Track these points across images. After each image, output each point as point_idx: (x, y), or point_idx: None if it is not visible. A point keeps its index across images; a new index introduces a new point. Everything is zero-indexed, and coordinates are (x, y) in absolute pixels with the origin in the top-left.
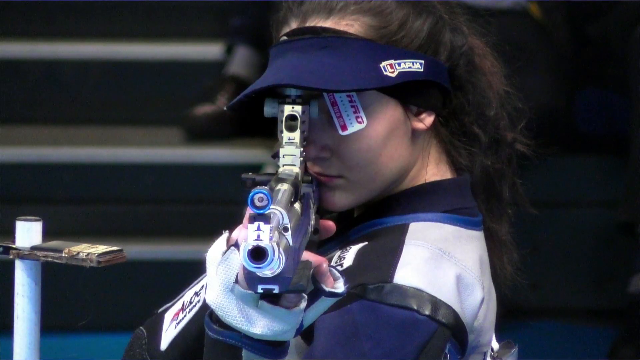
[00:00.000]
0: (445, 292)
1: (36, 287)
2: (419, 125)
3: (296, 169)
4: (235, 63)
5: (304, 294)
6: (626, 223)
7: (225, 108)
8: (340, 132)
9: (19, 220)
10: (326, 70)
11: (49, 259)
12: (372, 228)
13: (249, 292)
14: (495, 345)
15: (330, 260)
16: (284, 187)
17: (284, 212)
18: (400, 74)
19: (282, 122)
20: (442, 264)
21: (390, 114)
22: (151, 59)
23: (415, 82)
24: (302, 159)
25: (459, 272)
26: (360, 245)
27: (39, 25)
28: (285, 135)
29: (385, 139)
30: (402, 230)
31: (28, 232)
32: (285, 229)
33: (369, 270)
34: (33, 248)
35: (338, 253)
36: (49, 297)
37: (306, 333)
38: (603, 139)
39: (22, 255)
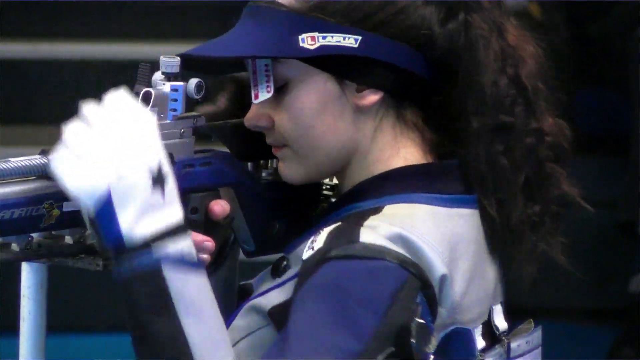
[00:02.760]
0: (409, 254)
1: (42, 290)
2: (360, 102)
3: None
4: None
5: None
6: (626, 223)
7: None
8: (253, 100)
9: None
10: (241, 39)
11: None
12: (349, 212)
13: None
14: (502, 325)
15: (304, 246)
16: None
17: None
18: (322, 47)
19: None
20: (402, 234)
21: (318, 86)
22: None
23: (350, 57)
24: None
25: (419, 244)
26: (333, 226)
27: (39, 25)
28: None
29: (317, 111)
30: (376, 212)
31: None
32: None
33: (335, 241)
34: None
35: (312, 238)
36: (53, 297)
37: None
38: (603, 139)
39: None
